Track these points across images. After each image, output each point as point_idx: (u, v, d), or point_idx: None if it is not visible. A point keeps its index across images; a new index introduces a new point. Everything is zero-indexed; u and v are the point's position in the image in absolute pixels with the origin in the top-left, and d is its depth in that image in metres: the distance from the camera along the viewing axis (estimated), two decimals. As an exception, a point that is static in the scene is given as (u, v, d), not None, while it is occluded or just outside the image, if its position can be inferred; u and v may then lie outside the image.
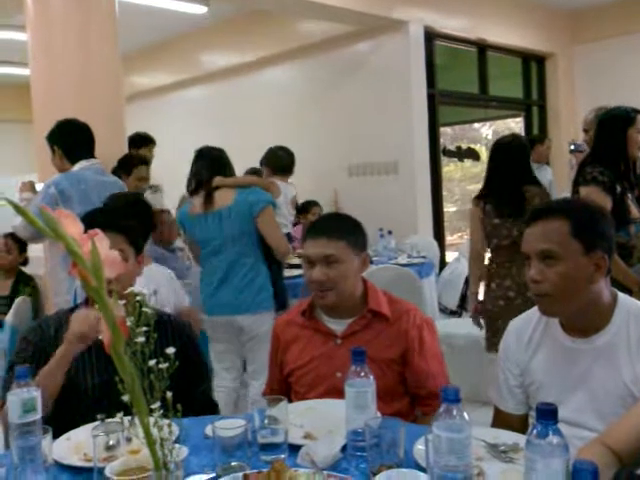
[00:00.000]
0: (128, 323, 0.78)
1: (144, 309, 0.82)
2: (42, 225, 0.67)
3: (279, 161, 3.46)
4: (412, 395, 1.84)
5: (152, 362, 0.83)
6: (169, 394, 0.86)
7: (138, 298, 0.82)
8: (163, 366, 0.84)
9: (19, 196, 3.21)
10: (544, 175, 5.81)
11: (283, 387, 1.92)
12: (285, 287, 3.19)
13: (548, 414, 1.03)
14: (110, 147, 3.53)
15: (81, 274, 0.69)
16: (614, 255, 1.58)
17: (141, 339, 0.81)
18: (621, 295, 1.58)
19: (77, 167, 3.10)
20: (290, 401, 1.81)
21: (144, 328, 0.82)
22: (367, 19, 5.60)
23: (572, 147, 5.65)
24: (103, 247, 0.70)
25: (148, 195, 3.53)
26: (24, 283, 4.06)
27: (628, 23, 6.95)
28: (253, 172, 5.83)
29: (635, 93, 6.62)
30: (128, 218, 1.98)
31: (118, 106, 3.75)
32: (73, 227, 0.67)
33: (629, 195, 2.81)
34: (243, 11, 6.47)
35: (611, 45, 7.16)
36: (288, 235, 3.28)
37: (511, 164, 3.10)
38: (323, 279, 1.77)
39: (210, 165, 3.10)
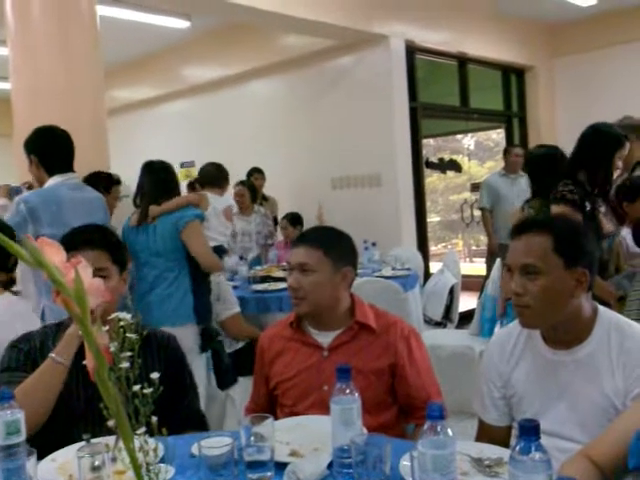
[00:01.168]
0: (112, 349, 0.78)
1: (128, 334, 0.82)
2: (25, 255, 0.67)
3: (207, 175, 3.57)
4: (404, 407, 1.85)
5: (137, 387, 0.83)
6: (154, 418, 0.86)
7: (122, 323, 0.83)
8: (147, 391, 0.84)
9: None
10: (517, 185, 5.89)
11: (268, 401, 1.92)
12: (207, 302, 3.21)
13: (530, 430, 1.04)
14: (92, 161, 3.53)
15: (65, 302, 0.69)
16: (596, 270, 1.61)
17: (125, 364, 0.82)
18: (601, 308, 1.61)
19: (52, 182, 2.95)
20: (276, 416, 1.81)
21: (128, 353, 0.82)
22: (349, 34, 5.64)
23: None
24: (86, 275, 0.70)
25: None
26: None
27: (606, 36, 7.07)
28: (255, 170, 5.93)
29: (613, 105, 6.73)
30: (112, 235, 1.97)
31: (100, 120, 3.75)
32: (56, 255, 0.68)
33: (601, 210, 2.85)
34: (225, 25, 6.50)
35: (589, 58, 7.28)
36: (220, 248, 3.31)
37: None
38: (296, 286, 1.80)
39: (155, 185, 3.21)
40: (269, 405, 1.90)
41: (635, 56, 6.94)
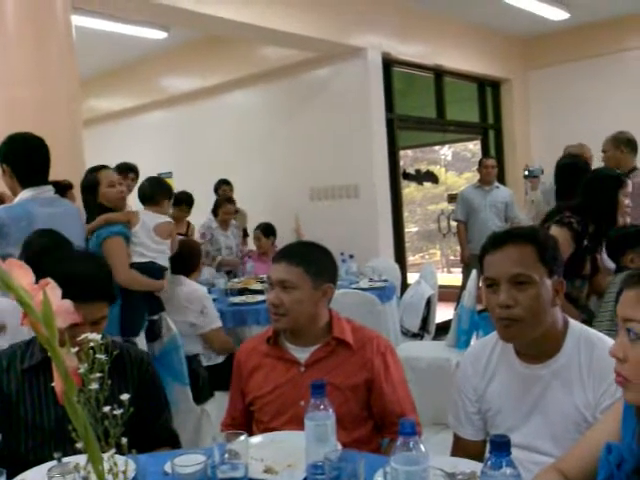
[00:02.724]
0: (81, 370, 0.78)
1: (98, 355, 0.82)
2: (-8, 277, 0.66)
3: (140, 191, 3.51)
4: (379, 421, 1.85)
5: (107, 409, 0.82)
6: (124, 440, 0.86)
7: (92, 344, 0.82)
8: (118, 412, 0.84)
9: None
10: (491, 196, 5.97)
11: (245, 416, 1.91)
12: (134, 316, 3.15)
13: (501, 446, 1.05)
14: (68, 172, 3.49)
15: (33, 325, 0.68)
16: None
17: (95, 386, 0.81)
18: (572, 321, 1.63)
19: (23, 196, 2.78)
20: (252, 431, 1.80)
21: (98, 374, 0.82)
22: (326, 46, 5.68)
23: (526, 173, 5.81)
24: (55, 297, 0.70)
25: None
26: None
27: (579, 49, 7.21)
28: (223, 182, 5.90)
29: (587, 117, 6.87)
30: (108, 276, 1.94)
31: (76, 131, 3.72)
32: (24, 278, 0.67)
33: (603, 255, 2.91)
34: (203, 36, 6.50)
35: (563, 70, 7.41)
36: (151, 264, 3.32)
37: None
38: (276, 302, 1.80)
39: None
40: (246, 420, 1.90)
41: (607, 69, 7.08)
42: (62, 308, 0.71)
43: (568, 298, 2.77)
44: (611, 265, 2.94)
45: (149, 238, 3.34)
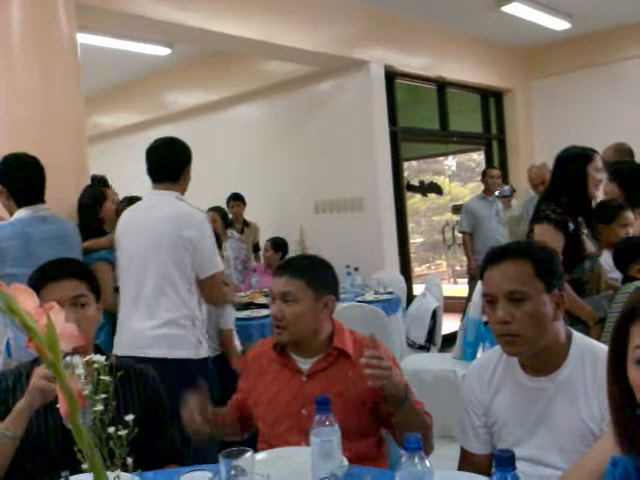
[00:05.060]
0: (86, 392, 0.78)
1: (102, 377, 0.82)
2: (-3, 303, 0.67)
3: (120, 212, 3.43)
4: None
5: (111, 429, 0.82)
6: (129, 460, 0.86)
7: (96, 365, 0.83)
8: (123, 433, 0.84)
9: None
10: (495, 206, 6.00)
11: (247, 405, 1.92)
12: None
13: (506, 461, 1.05)
14: (73, 190, 3.51)
15: (37, 349, 0.69)
16: (566, 290, 1.64)
17: (99, 407, 0.81)
18: (575, 333, 1.63)
19: (19, 215, 2.79)
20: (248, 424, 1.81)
21: (103, 395, 0.82)
22: (329, 60, 5.71)
23: (497, 193, 5.89)
24: (59, 320, 0.71)
25: None
26: None
27: (581, 59, 7.24)
28: (234, 197, 5.90)
29: (590, 126, 6.87)
30: (87, 267, 1.97)
31: (81, 148, 3.73)
32: (28, 301, 0.68)
33: (584, 231, 2.89)
34: (207, 51, 6.55)
35: (565, 80, 7.43)
36: None
37: None
38: (278, 315, 1.82)
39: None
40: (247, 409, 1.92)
41: (610, 77, 7.09)
42: (66, 331, 0.72)
43: (577, 284, 2.77)
44: (618, 275, 2.93)
45: None
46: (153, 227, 2.78)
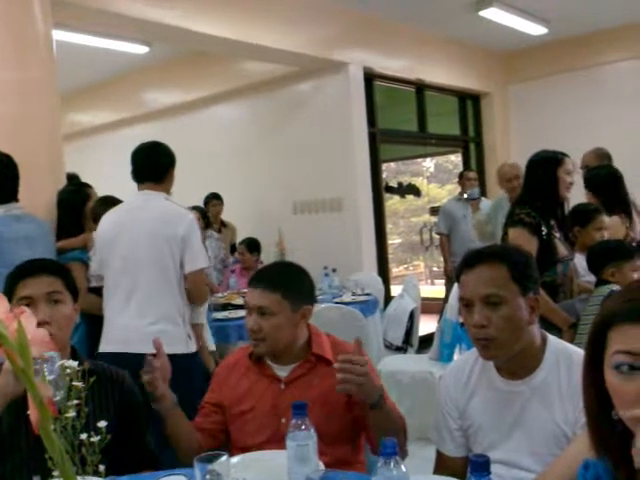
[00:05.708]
0: (57, 398, 0.77)
1: (74, 383, 0.81)
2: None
3: (93, 212, 3.44)
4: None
5: (84, 436, 0.81)
6: (102, 467, 0.85)
7: (68, 371, 0.81)
8: (95, 439, 0.83)
9: None
10: (466, 209, 6.06)
11: (216, 420, 1.86)
12: (98, 340, 3.03)
13: (481, 466, 1.06)
14: (48, 188, 3.46)
15: (8, 354, 0.68)
16: (540, 295, 1.66)
17: (72, 414, 0.80)
18: (550, 337, 1.64)
19: None
20: (229, 448, 1.78)
21: (75, 401, 0.81)
22: (308, 61, 5.71)
23: (465, 195, 5.96)
24: (30, 325, 0.69)
25: None
26: None
27: (558, 63, 7.32)
28: (213, 196, 5.88)
29: (565, 130, 6.96)
30: (63, 266, 1.95)
31: (56, 146, 3.68)
32: (-1, 306, 0.67)
33: (556, 235, 2.92)
34: (185, 50, 6.51)
35: (542, 84, 7.51)
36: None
37: None
38: (255, 328, 1.79)
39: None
40: (215, 423, 1.86)
41: (586, 82, 7.19)
42: (37, 337, 0.70)
43: (550, 287, 2.80)
44: (592, 278, 2.96)
45: None
46: (146, 226, 2.84)
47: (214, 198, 6.05)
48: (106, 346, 2.83)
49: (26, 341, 0.67)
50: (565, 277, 2.94)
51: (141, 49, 5.87)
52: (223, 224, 6.13)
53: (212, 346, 3.32)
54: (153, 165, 2.99)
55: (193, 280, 2.88)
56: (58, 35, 3.92)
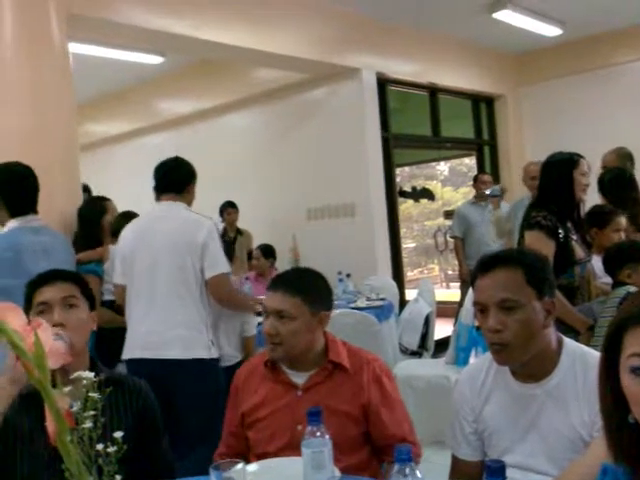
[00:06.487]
0: (74, 409, 0.78)
1: (91, 394, 0.82)
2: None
3: (114, 226, 3.50)
4: (379, 446, 1.84)
5: (100, 446, 0.82)
6: (118, 478, 0.86)
7: (85, 382, 0.83)
8: (111, 450, 0.84)
9: None
10: (487, 212, 6.01)
11: (241, 443, 1.89)
12: (109, 352, 3.06)
13: (497, 471, 1.06)
14: (64, 200, 3.51)
15: (25, 366, 0.69)
16: (558, 298, 1.65)
17: (88, 425, 0.81)
18: (566, 339, 1.64)
19: (11, 226, 2.77)
20: (248, 458, 1.79)
21: (91, 412, 0.82)
22: (321, 67, 5.73)
23: (488, 192, 5.89)
24: (47, 338, 0.70)
25: None
26: None
27: (572, 64, 7.26)
28: (228, 204, 5.93)
29: (580, 131, 6.91)
30: (80, 276, 1.97)
31: (72, 158, 3.73)
32: (16, 319, 0.68)
33: (573, 237, 2.91)
34: (199, 59, 6.56)
35: (556, 85, 7.46)
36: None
37: None
38: (272, 332, 1.80)
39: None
40: (242, 447, 1.88)
41: (601, 82, 7.12)
42: (54, 349, 0.72)
43: (567, 289, 2.78)
44: (609, 280, 2.94)
45: None
46: (166, 236, 2.92)
47: (229, 206, 6.09)
48: (128, 352, 2.91)
49: (43, 354, 0.68)
50: (582, 279, 2.92)
51: (155, 59, 5.92)
52: (239, 232, 6.16)
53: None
54: (174, 178, 3.09)
55: (214, 285, 2.93)
56: (74, 47, 3.98)
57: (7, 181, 2.80)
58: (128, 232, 3.06)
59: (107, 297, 3.31)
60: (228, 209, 6.07)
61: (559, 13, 6.23)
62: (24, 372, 1.37)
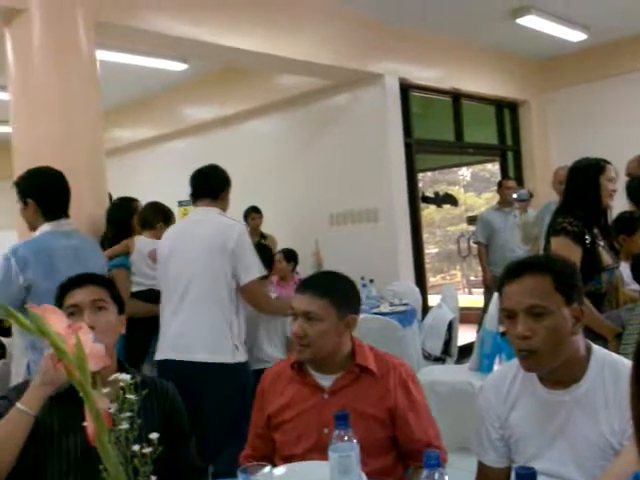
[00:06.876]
0: (111, 410, 0.80)
1: (127, 396, 0.84)
2: (28, 324, 0.69)
3: (139, 218, 3.58)
4: (405, 451, 1.84)
5: (136, 447, 0.84)
6: (154, 478, 0.87)
7: (121, 384, 0.84)
8: (147, 451, 0.85)
9: None
10: (511, 218, 5.96)
11: (267, 446, 1.90)
12: (139, 343, 3.22)
13: (527, 478, 1.05)
14: (92, 202, 3.57)
15: (66, 368, 0.71)
16: (586, 305, 1.63)
17: (125, 426, 0.83)
18: (595, 347, 1.62)
19: (44, 229, 2.79)
20: (274, 462, 1.80)
21: (128, 414, 0.84)
22: (344, 73, 5.74)
23: (515, 196, 5.83)
24: (87, 340, 0.72)
25: None
26: None
27: (597, 69, 7.20)
28: (253, 209, 5.98)
29: (605, 136, 6.84)
30: (110, 280, 2.01)
31: (99, 164, 3.79)
32: (58, 322, 0.70)
33: (600, 243, 2.88)
34: (222, 66, 6.62)
35: (581, 91, 7.39)
36: (150, 292, 3.36)
37: None
38: (300, 334, 1.81)
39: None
40: (268, 450, 1.90)
41: (625, 88, 7.04)
42: (94, 352, 0.73)
43: (595, 296, 2.75)
44: (638, 287, 2.91)
45: (145, 265, 3.41)
46: (200, 240, 2.99)
47: (253, 211, 6.13)
48: (159, 353, 3.00)
49: (84, 355, 0.70)
50: (610, 286, 2.89)
51: (179, 66, 5.99)
52: (263, 236, 6.19)
53: None
54: (210, 184, 3.17)
55: (248, 291, 2.99)
56: (101, 55, 4.04)
57: (43, 185, 2.83)
58: (166, 237, 3.17)
59: (136, 289, 3.36)
60: (252, 214, 6.11)
61: (583, 18, 6.17)
62: (57, 374, 1.43)
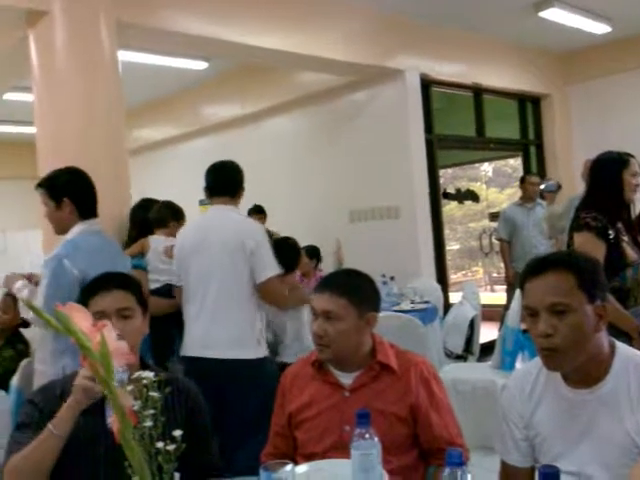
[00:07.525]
0: (135, 407, 0.81)
1: (151, 393, 0.85)
2: (55, 323, 0.70)
3: (152, 216, 3.58)
4: (426, 449, 1.83)
5: (160, 444, 0.85)
6: (177, 475, 0.88)
7: (145, 382, 0.85)
8: (171, 448, 0.86)
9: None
10: (533, 214, 5.88)
11: (288, 444, 1.91)
12: (164, 339, 3.24)
13: (551, 477, 1.04)
14: (115, 202, 3.60)
15: (91, 366, 0.72)
16: (609, 301, 1.61)
17: (149, 423, 0.84)
18: (619, 344, 1.60)
19: (78, 229, 2.77)
20: (295, 459, 1.81)
21: (151, 411, 0.84)
22: (364, 70, 5.73)
23: (543, 187, 5.73)
24: (111, 338, 0.73)
25: None
26: (10, 345, 3.78)
27: (620, 62, 7.09)
28: (255, 210, 5.94)
29: (629, 130, 6.74)
30: (135, 280, 2.03)
31: (122, 164, 3.83)
32: (84, 321, 0.71)
33: (624, 238, 2.84)
34: (242, 64, 6.64)
35: (604, 84, 7.30)
36: (167, 286, 3.37)
37: None
38: (321, 333, 1.82)
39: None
40: (289, 448, 1.90)
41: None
42: (119, 349, 0.74)
43: (619, 292, 2.71)
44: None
45: (160, 261, 3.44)
46: (219, 239, 3.03)
47: (255, 212, 5.96)
48: (186, 350, 3.05)
49: (109, 353, 0.71)
50: (635, 282, 2.84)
51: (200, 65, 6.02)
52: (269, 234, 6.11)
53: None
54: (227, 181, 3.19)
55: (265, 290, 3.03)
56: (123, 55, 4.08)
57: (80, 184, 2.84)
58: (184, 236, 3.19)
59: (153, 286, 3.42)
60: (254, 215, 5.99)
61: (606, 10, 6.08)
62: (93, 390, 1.44)
